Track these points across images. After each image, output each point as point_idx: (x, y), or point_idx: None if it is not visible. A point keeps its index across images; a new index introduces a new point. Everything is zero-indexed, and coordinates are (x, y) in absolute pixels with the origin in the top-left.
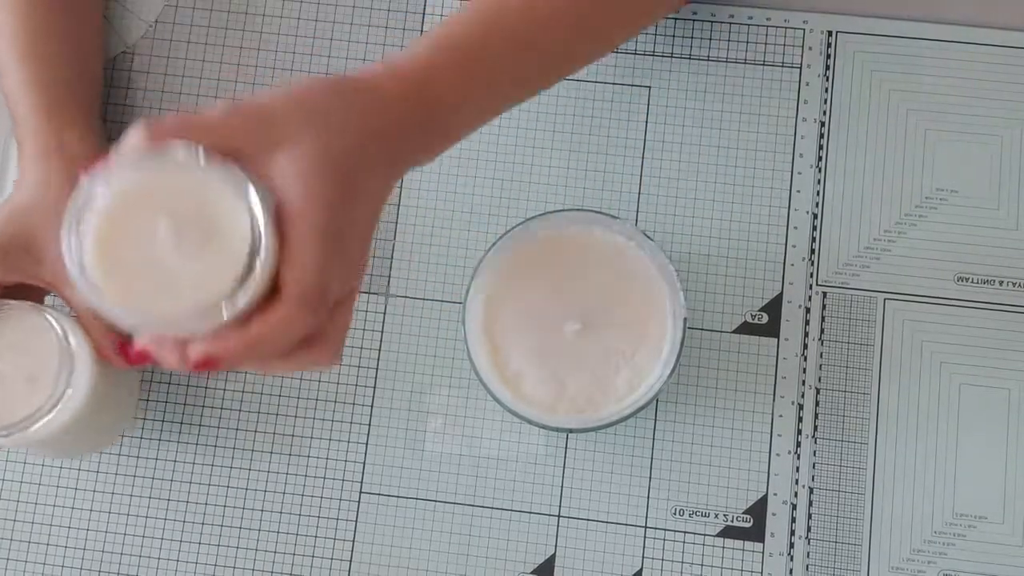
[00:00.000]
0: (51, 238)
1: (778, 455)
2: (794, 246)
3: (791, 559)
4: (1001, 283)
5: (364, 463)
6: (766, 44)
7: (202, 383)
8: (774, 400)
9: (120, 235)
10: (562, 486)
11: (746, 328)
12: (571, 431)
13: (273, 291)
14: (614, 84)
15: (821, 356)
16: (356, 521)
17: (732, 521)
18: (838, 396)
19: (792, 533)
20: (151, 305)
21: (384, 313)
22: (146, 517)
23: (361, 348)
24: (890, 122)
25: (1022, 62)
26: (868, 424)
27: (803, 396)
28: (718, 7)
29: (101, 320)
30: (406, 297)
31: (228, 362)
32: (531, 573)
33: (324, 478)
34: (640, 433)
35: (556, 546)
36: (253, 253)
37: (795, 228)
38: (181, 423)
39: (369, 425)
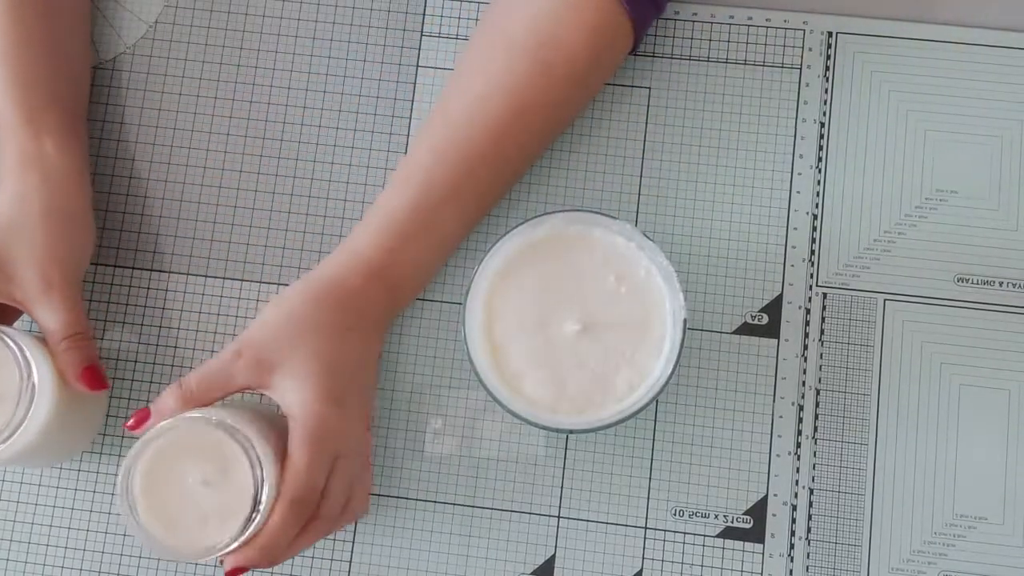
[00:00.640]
0: (23, 256)
1: (778, 456)
2: (794, 247)
3: (791, 560)
4: (1001, 284)
5: None
6: (766, 45)
7: None
8: (774, 401)
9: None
10: (562, 487)
11: (746, 329)
12: (571, 431)
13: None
14: (614, 84)
15: (821, 357)
16: (356, 521)
17: (732, 522)
18: (838, 397)
19: (792, 534)
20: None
21: None
22: None
23: None
24: (890, 122)
25: (1021, 63)
26: (868, 425)
27: (803, 397)
28: (718, 8)
29: (67, 346)
30: None
31: (254, 567)
32: (531, 574)
33: None
34: (640, 433)
35: (556, 547)
36: (256, 500)
37: (795, 229)
38: None
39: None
